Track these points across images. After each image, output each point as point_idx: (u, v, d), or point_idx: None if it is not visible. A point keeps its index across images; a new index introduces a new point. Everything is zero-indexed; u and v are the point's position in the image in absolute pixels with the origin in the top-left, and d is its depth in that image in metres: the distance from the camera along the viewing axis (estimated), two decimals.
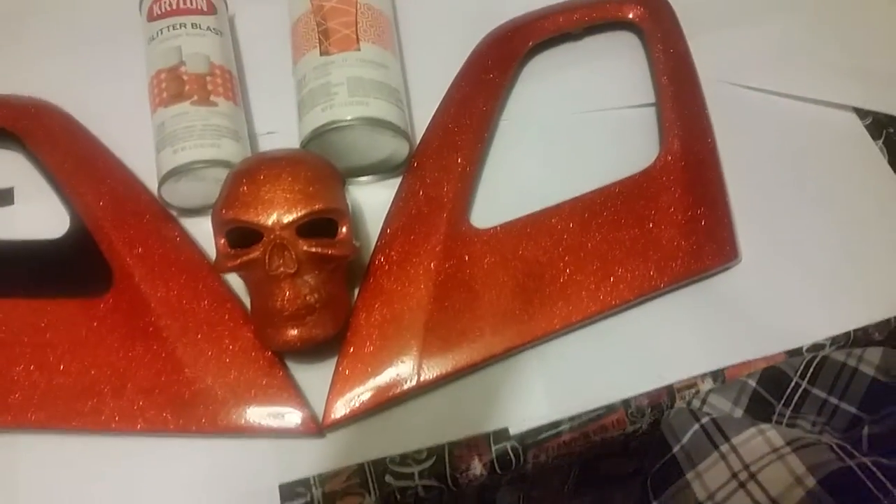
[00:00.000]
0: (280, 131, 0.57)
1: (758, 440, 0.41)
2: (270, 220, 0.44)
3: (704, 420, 0.44)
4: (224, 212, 0.45)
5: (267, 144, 0.57)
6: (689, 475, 0.42)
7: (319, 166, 0.48)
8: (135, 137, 0.55)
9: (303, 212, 0.44)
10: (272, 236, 0.44)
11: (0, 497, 0.46)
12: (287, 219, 0.44)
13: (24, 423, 0.46)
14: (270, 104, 0.59)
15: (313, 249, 0.45)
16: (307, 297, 0.45)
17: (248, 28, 0.63)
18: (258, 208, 0.44)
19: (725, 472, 0.41)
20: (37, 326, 0.47)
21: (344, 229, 0.47)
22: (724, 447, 0.42)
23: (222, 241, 0.46)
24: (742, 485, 0.40)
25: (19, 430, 0.46)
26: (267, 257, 0.44)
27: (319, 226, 0.46)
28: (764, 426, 0.43)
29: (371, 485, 0.47)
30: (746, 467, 0.40)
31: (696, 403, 0.47)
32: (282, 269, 0.44)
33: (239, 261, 0.45)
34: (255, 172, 0.46)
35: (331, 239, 0.46)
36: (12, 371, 0.46)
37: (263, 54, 0.61)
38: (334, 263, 0.46)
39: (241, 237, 0.46)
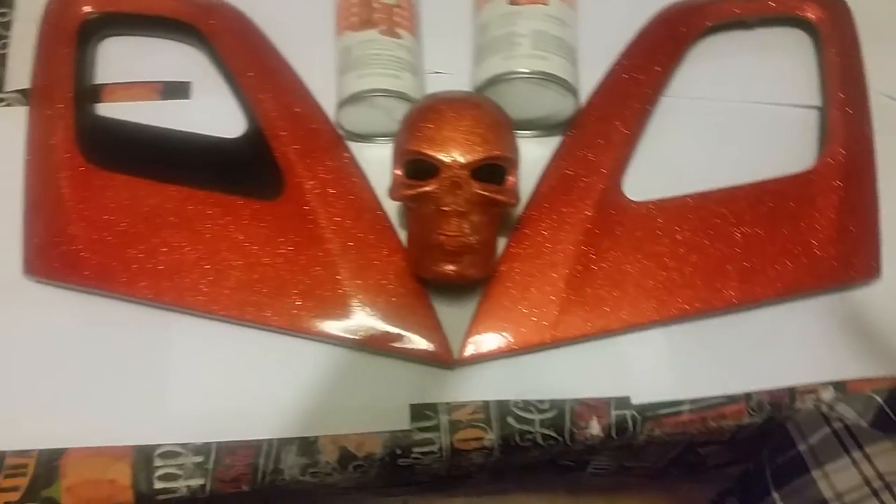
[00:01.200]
0: (448, 72, 0.58)
1: (894, 454, 0.42)
2: (450, 157, 0.46)
3: (836, 425, 0.45)
4: (408, 143, 0.47)
5: (433, 83, 0.58)
6: (815, 473, 0.43)
7: (498, 113, 0.49)
8: (309, 56, 0.56)
9: (481, 155, 0.46)
10: (449, 173, 0.46)
11: (151, 371, 0.49)
12: (465, 159, 0.46)
13: (187, 305, 0.49)
14: (440, 45, 0.60)
15: (484, 192, 0.46)
16: (469, 237, 0.46)
17: None
18: (441, 145, 0.46)
19: (857, 477, 0.42)
20: (209, 217, 0.50)
21: (512, 178, 0.48)
22: (857, 454, 0.43)
23: (400, 171, 0.48)
24: (875, 493, 0.41)
25: (180, 310, 0.50)
26: (442, 193, 0.46)
27: (486, 171, 0.47)
28: None
29: (493, 423, 0.49)
30: (881, 476, 0.41)
31: (824, 408, 0.48)
32: (453, 206, 0.46)
33: (415, 191, 0.46)
34: (440, 110, 0.47)
35: (499, 185, 0.48)
36: (182, 253, 0.49)
37: None
38: (498, 209, 0.48)
39: (413, 169, 0.48)
